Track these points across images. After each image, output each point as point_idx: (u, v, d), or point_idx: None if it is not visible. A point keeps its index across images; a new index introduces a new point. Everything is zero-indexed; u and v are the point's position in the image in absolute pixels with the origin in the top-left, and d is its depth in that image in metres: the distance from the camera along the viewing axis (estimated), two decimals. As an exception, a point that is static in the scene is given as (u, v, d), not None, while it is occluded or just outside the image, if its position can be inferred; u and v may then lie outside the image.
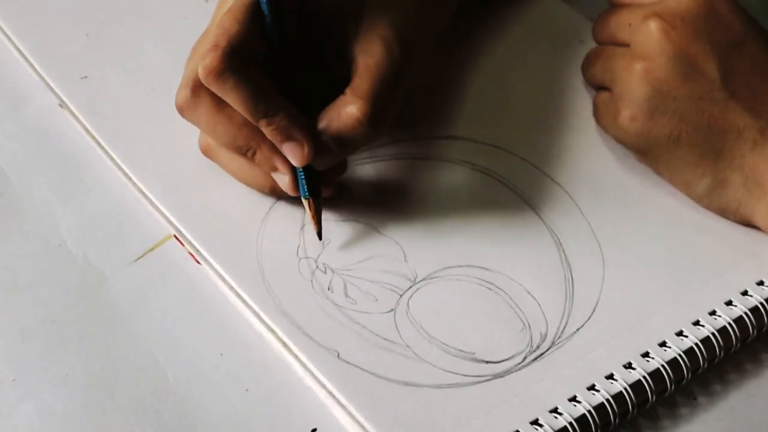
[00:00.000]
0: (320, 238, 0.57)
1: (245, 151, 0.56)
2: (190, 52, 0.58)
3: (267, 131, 0.54)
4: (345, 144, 0.55)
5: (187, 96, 0.55)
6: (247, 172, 0.58)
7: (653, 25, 0.58)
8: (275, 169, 0.56)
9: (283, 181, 0.56)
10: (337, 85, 0.56)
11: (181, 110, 0.56)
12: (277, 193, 0.58)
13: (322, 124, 0.55)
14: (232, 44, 0.52)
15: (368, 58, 0.55)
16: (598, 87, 0.63)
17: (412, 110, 0.63)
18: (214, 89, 0.53)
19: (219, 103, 0.55)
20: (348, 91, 0.55)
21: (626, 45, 0.60)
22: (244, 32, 0.53)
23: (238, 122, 0.55)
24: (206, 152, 0.59)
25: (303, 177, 0.56)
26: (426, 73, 0.64)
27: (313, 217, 0.57)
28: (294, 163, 0.55)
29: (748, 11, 0.59)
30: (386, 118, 0.56)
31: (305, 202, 0.57)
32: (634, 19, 0.59)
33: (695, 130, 0.58)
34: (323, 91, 0.56)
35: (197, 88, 0.55)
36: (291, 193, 0.57)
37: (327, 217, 0.58)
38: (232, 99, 0.53)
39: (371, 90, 0.55)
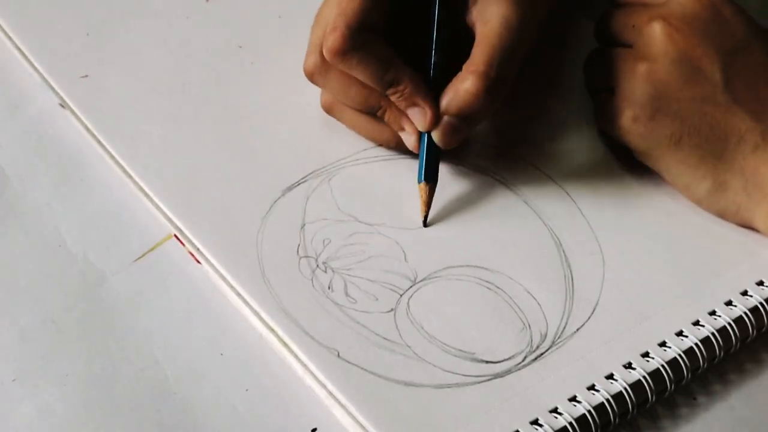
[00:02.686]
0: (425, 225, 0.59)
1: (375, 111, 0.60)
2: (314, 18, 0.60)
3: (393, 98, 0.58)
4: (467, 119, 0.58)
5: (317, 62, 0.58)
6: (373, 128, 0.61)
7: (657, 27, 0.58)
8: (402, 129, 0.60)
9: (410, 140, 0.60)
10: (460, 53, 0.59)
11: (311, 75, 0.59)
12: (401, 148, 0.61)
13: (444, 103, 0.58)
14: (351, 23, 0.56)
15: (485, 26, 0.58)
16: (600, 87, 0.63)
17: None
18: (340, 67, 0.57)
19: None
20: (464, 66, 0.58)
21: (629, 46, 0.60)
22: (361, 9, 0.56)
23: (369, 85, 0.58)
24: (330, 110, 0.62)
25: (424, 160, 0.59)
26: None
27: (424, 203, 0.59)
28: (419, 128, 0.59)
29: (749, 13, 0.59)
30: (503, 88, 0.58)
31: (421, 187, 0.59)
32: (638, 21, 0.59)
33: (697, 132, 0.58)
34: (449, 57, 0.59)
35: None
36: (416, 151, 0.60)
37: (327, 216, 0.58)
38: (359, 74, 0.57)
39: (486, 62, 0.57)
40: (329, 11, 0.58)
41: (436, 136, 0.59)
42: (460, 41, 0.59)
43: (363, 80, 0.58)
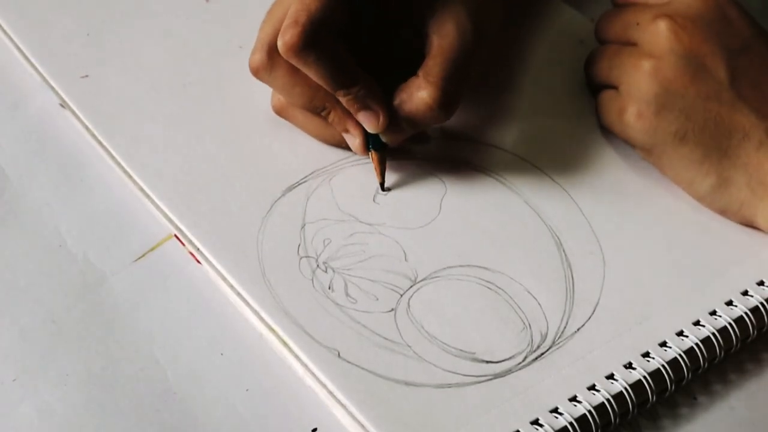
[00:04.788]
0: (383, 189, 0.60)
1: (320, 111, 0.59)
2: (265, 15, 0.59)
3: (344, 101, 0.57)
4: (415, 124, 0.58)
5: (264, 59, 0.58)
6: (323, 129, 0.61)
7: (663, 25, 0.58)
8: (346, 131, 0.60)
9: (354, 142, 0.60)
10: (410, 57, 0.59)
11: (256, 72, 0.58)
12: (345, 146, 0.61)
13: (395, 103, 0.58)
14: (312, 20, 0.54)
15: (442, 40, 0.58)
16: (603, 85, 0.63)
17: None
18: (293, 63, 0.56)
19: (295, 66, 0.56)
20: (421, 73, 0.57)
21: (633, 44, 0.60)
22: (324, 7, 0.55)
23: (315, 84, 0.57)
24: (279, 112, 0.62)
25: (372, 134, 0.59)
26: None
27: (377, 169, 0.60)
28: (369, 130, 0.58)
29: (751, 13, 0.60)
30: (456, 102, 0.58)
31: (371, 155, 0.60)
32: (643, 19, 0.59)
33: (701, 129, 0.58)
34: (396, 62, 0.59)
35: (273, 51, 0.57)
36: (360, 153, 0.60)
37: (327, 216, 0.58)
38: (312, 72, 0.56)
39: (443, 75, 0.57)
40: (281, 9, 0.57)
41: (384, 135, 0.59)
42: (410, 47, 0.59)
43: (316, 79, 0.56)
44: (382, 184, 0.60)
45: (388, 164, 0.60)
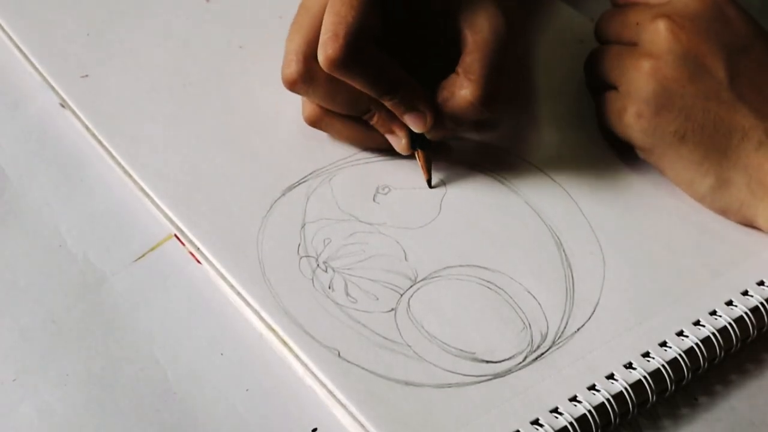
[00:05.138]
0: (430, 186, 0.60)
1: (364, 114, 0.59)
2: (291, 25, 0.59)
3: (389, 105, 0.58)
4: (459, 122, 0.59)
5: (301, 71, 0.57)
6: (364, 134, 0.61)
7: (662, 25, 0.58)
8: (392, 132, 0.60)
9: (400, 144, 0.60)
10: (443, 56, 0.59)
11: (293, 84, 0.58)
12: (390, 151, 0.61)
13: (438, 101, 0.58)
14: (352, 31, 0.54)
15: (476, 35, 0.58)
16: (602, 85, 0.63)
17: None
18: (337, 75, 0.55)
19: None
20: (460, 71, 0.58)
21: (633, 44, 0.60)
22: (361, 16, 0.55)
23: (357, 90, 0.57)
24: (315, 123, 0.61)
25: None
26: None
27: (423, 167, 0.60)
28: (416, 130, 0.59)
29: (750, 12, 0.60)
30: (497, 96, 0.58)
31: (417, 153, 0.60)
32: (642, 19, 0.59)
33: (701, 128, 0.58)
34: (430, 62, 0.60)
35: (310, 62, 0.57)
36: (405, 153, 0.60)
37: (327, 215, 0.58)
38: (357, 83, 0.56)
39: (482, 72, 0.57)
40: (307, 18, 0.57)
41: (428, 133, 0.59)
42: (445, 43, 0.59)
43: (361, 88, 0.56)
44: (429, 181, 0.60)
45: (385, 164, 0.60)
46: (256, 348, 0.54)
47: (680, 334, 0.54)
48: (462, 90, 0.58)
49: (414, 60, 0.59)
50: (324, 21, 0.55)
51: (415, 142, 0.60)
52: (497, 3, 0.59)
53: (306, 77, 0.57)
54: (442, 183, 0.61)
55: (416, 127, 0.59)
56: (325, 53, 0.55)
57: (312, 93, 0.58)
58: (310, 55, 0.56)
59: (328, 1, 0.56)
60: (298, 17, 0.59)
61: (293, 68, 0.57)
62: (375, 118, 0.59)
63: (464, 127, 0.61)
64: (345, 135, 0.61)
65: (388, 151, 0.61)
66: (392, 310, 0.55)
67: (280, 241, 0.57)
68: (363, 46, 0.55)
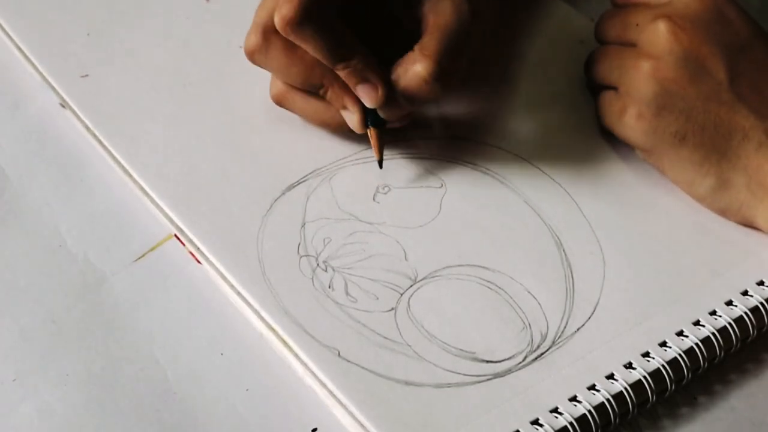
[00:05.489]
0: (381, 166, 0.61)
1: (318, 89, 0.59)
2: (260, 2, 0.59)
3: (343, 74, 0.57)
4: (411, 99, 0.58)
5: (259, 40, 0.58)
6: (323, 112, 0.60)
7: (662, 26, 0.58)
8: (345, 108, 0.59)
9: (352, 119, 0.59)
10: (405, 38, 0.59)
11: (252, 54, 0.59)
12: (344, 130, 0.61)
13: (392, 78, 0.58)
14: None
15: (438, 17, 0.58)
16: (603, 86, 0.63)
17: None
18: (291, 38, 0.56)
19: (291, 45, 0.57)
20: (416, 48, 0.58)
21: (633, 45, 0.60)
22: None
23: (311, 62, 0.58)
24: (279, 100, 0.61)
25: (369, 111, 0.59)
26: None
27: (375, 146, 0.60)
28: (367, 104, 0.58)
29: (749, 12, 0.60)
30: (452, 77, 0.58)
31: (369, 132, 0.60)
32: (642, 20, 0.59)
33: (701, 129, 0.58)
34: (392, 42, 0.59)
35: (268, 32, 0.57)
36: (358, 130, 0.60)
37: (327, 215, 0.58)
38: (309, 46, 0.56)
39: (438, 50, 0.57)
40: None
41: (381, 110, 0.59)
42: (409, 33, 0.59)
43: (313, 53, 0.56)
44: (380, 162, 0.60)
45: (385, 163, 0.60)
46: (256, 348, 0.54)
47: (680, 334, 0.54)
48: (415, 65, 0.57)
49: (377, 46, 0.59)
50: None
51: (368, 119, 0.59)
52: None
53: (263, 47, 0.58)
54: (442, 183, 0.61)
55: (368, 101, 0.58)
56: (279, 13, 0.55)
57: (269, 64, 0.59)
58: (270, 28, 0.57)
59: None
60: None
61: (252, 39, 0.58)
62: (329, 93, 0.59)
63: (417, 106, 0.60)
64: (306, 112, 0.61)
65: (347, 133, 0.61)
66: (392, 309, 0.55)
67: (280, 241, 0.57)
68: (318, 9, 0.55)
